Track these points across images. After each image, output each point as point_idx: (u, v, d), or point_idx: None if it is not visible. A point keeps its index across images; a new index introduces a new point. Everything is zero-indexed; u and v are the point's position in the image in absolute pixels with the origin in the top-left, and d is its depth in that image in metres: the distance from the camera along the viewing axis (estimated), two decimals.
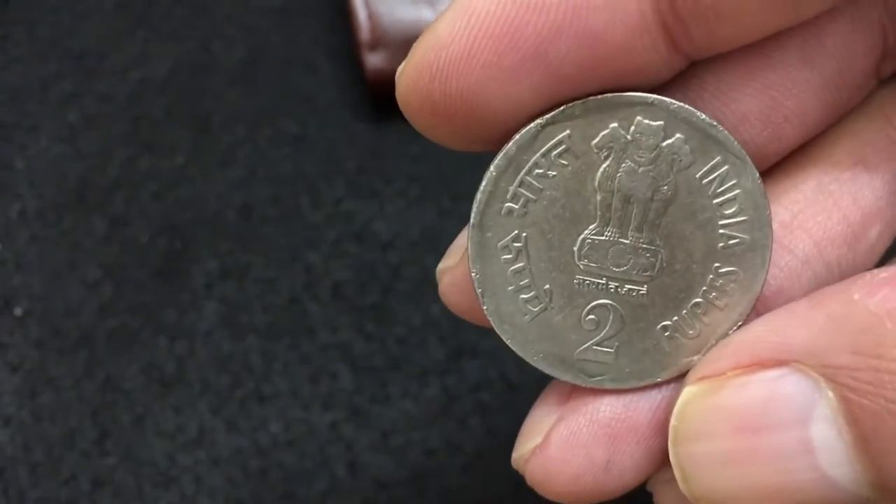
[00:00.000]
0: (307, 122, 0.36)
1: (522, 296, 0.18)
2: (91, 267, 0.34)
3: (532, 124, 0.17)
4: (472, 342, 0.33)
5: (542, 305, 0.18)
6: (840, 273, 0.19)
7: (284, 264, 0.34)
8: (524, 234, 0.18)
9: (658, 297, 0.18)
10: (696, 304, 0.18)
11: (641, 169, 0.18)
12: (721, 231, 0.18)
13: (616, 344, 0.18)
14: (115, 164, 0.35)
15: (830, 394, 0.15)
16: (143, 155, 0.36)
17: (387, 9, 0.35)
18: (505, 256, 0.18)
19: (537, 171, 0.18)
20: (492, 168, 0.18)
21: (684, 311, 0.18)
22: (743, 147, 0.18)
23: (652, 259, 0.18)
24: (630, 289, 0.18)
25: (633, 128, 0.17)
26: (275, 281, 0.34)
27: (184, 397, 0.32)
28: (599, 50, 0.16)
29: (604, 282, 0.18)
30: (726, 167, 0.18)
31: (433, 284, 0.34)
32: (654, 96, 0.17)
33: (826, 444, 0.15)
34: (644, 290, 0.18)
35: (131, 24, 0.37)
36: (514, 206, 0.18)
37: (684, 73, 0.18)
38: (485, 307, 0.18)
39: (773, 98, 0.18)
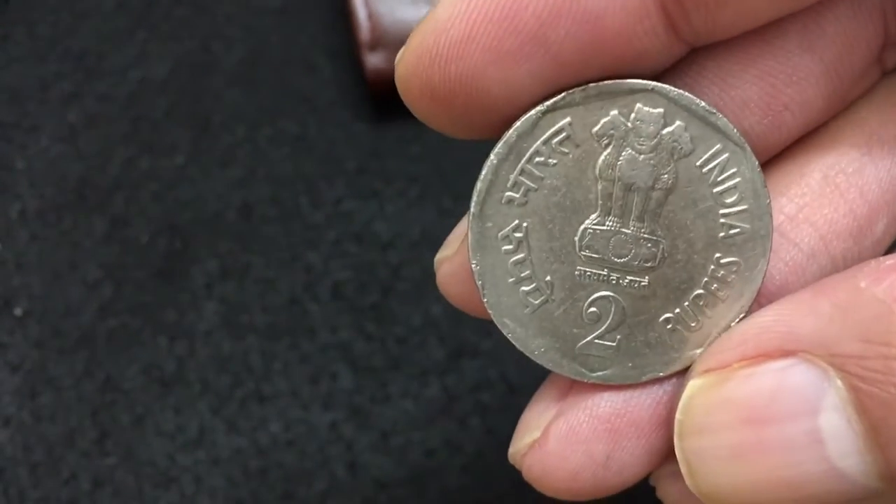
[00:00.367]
0: (307, 122, 0.36)
1: (523, 288, 0.18)
2: (91, 267, 0.34)
3: (532, 111, 0.17)
4: (472, 342, 0.33)
5: (542, 298, 0.18)
6: (845, 267, 0.18)
7: (284, 264, 0.34)
8: (525, 224, 0.18)
9: (659, 289, 0.18)
10: (698, 295, 0.18)
11: (642, 157, 0.17)
12: (721, 220, 0.18)
13: (618, 337, 0.18)
14: (115, 164, 0.35)
15: (839, 383, 0.15)
16: (143, 155, 0.36)
17: (387, 9, 0.35)
18: (505, 247, 0.18)
19: (538, 159, 0.17)
20: (492, 156, 0.17)
21: (686, 303, 0.18)
22: (744, 136, 0.18)
23: (653, 249, 0.18)
24: (631, 280, 0.18)
25: (633, 115, 0.17)
26: (275, 281, 0.34)
27: (184, 397, 0.32)
28: (599, 34, 0.16)
29: (605, 273, 0.18)
30: (726, 155, 0.17)
31: (433, 284, 0.34)
32: (654, 83, 0.17)
33: (835, 434, 0.15)
34: (645, 281, 0.18)
35: (131, 24, 0.37)
36: (514, 194, 0.18)
37: (685, 59, 0.18)
38: (485, 299, 0.18)
39: (773, 85, 0.18)
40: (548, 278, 0.18)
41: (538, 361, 0.18)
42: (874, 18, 0.18)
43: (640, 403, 0.18)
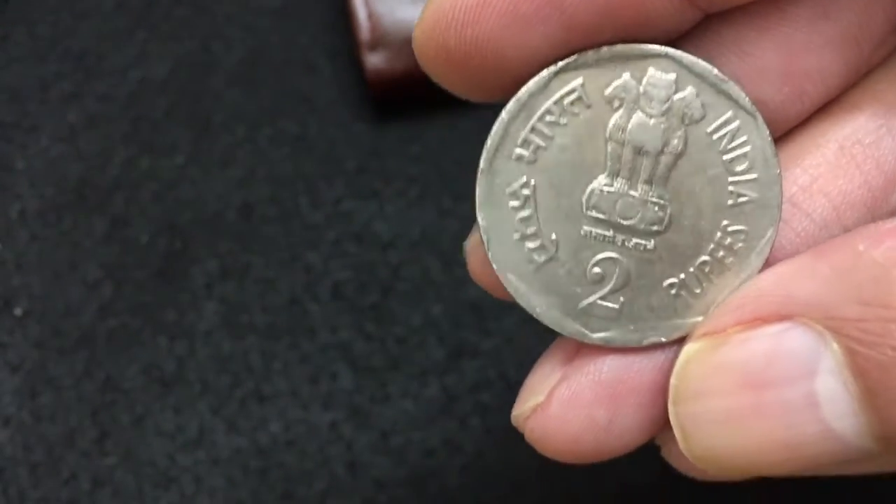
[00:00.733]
0: (307, 122, 0.36)
1: (528, 245, 0.18)
2: (91, 267, 0.34)
3: (545, 71, 0.17)
4: (472, 342, 0.33)
5: (547, 255, 0.18)
6: None
7: (284, 264, 0.34)
8: (532, 182, 0.18)
9: (665, 254, 0.18)
10: (704, 262, 0.18)
11: (653, 121, 0.17)
12: (730, 188, 0.18)
13: (621, 299, 0.18)
14: (115, 164, 0.35)
15: (836, 346, 0.15)
16: (143, 155, 0.36)
17: (387, 9, 0.35)
18: (512, 203, 0.18)
19: (549, 117, 0.17)
20: (503, 113, 0.17)
21: (691, 269, 0.18)
22: (763, 106, 0.17)
23: (660, 213, 0.18)
24: (637, 243, 0.18)
25: (645, 79, 0.17)
26: (275, 281, 0.34)
27: (184, 397, 0.32)
28: None
29: (611, 234, 0.18)
30: (737, 122, 0.17)
31: (433, 284, 0.34)
32: (667, 49, 0.17)
33: (831, 397, 0.15)
34: (651, 245, 0.18)
35: (131, 24, 0.37)
36: (524, 151, 0.18)
37: (702, 26, 0.18)
38: (489, 254, 0.18)
39: (791, 52, 0.18)
40: (553, 237, 0.18)
41: (540, 320, 0.18)
42: None
43: (643, 369, 0.18)
